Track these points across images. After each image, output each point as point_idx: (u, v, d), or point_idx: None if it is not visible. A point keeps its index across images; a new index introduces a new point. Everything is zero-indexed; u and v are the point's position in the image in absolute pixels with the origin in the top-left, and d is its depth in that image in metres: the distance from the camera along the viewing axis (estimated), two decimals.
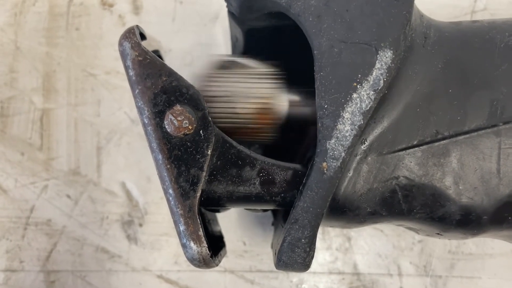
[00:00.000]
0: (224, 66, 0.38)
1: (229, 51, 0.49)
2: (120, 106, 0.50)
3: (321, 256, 0.50)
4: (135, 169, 0.51)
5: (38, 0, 0.51)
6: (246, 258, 0.51)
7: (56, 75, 0.51)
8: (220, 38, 0.51)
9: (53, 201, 0.50)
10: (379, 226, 0.51)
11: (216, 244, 0.33)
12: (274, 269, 0.40)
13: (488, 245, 0.51)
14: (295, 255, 0.32)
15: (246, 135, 0.38)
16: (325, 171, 0.31)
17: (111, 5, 0.51)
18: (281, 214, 0.41)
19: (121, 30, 0.50)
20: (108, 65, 0.51)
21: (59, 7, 0.51)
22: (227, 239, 0.50)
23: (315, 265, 0.50)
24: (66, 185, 0.50)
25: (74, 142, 0.51)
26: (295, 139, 0.39)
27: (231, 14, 0.39)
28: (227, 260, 0.50)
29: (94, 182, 0.50)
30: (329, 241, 0.51)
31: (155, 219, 0.50)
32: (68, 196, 0.50)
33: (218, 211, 0.39)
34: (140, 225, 0.50)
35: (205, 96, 0.35)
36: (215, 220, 0.42)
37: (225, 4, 0.38)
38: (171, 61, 0.51)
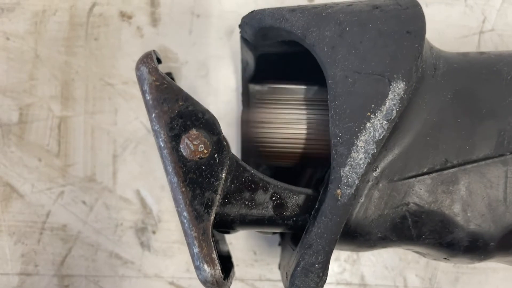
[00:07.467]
0: (275, 92, 0.39)
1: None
2: (136, 115, 0.51)
3: (330, 267, 0.51)
4: (149, 177, 0.51)
5: (59, 10, 0.51)
6: (256, 267, 0.52)
7: (74, 83, 0.51)
8: (234, 51, 0.51)
9: (68, 207, 0.51)
10: None
11: (224, 265, 0.33)
12: None
13: None
14: (308, 280, 0.32)
15: (292, 159, 0.39)
16: (339, 198, 0.31)
17: (129, 17, 0.51)
18: (289, 236, 0.41)
19: (139, 42, 0.51)
20: (125, 75, 0.51)
21: (79, 18, 0.51)
22: (238, 248, 0.51)
23: None
24: (81, 191, 0.51)
25: (91, 150, 0.51)
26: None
27: (244, 40, 0.39)
28: (238, 269, 0.51)
29: (109, 189, 0.51)
30: (337, 252, 0.51)
31: (168, 227, 0.51)
32: (84, 202, 0.51)
33: (228, 232, 0.39)
34: (153, 232, 0.51)
35: (257, 121, 0.36)
36: (223, 241, 0.43)
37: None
38: (187, 73, 0.51)
